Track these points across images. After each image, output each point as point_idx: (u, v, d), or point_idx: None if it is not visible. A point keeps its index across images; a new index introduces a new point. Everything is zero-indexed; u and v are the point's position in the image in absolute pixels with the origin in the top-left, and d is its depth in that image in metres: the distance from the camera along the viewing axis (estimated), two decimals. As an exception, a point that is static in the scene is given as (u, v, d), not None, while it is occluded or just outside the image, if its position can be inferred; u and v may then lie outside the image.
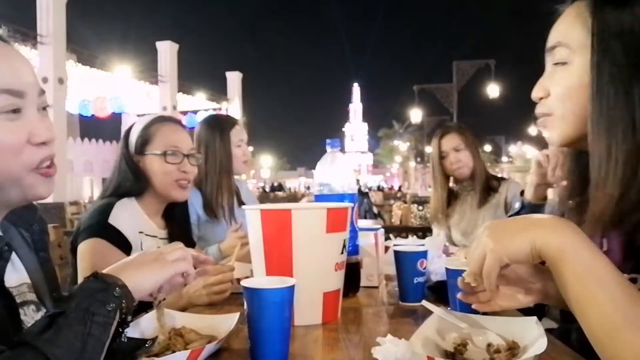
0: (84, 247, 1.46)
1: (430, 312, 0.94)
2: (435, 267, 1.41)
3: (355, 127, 77.40)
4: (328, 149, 1.40)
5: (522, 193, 1.84)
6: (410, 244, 1.51)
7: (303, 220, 1.10)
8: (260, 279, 0.96)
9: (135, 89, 18.58)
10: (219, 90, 25.48)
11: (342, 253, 1.16)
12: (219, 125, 2.29)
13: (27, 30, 13.75)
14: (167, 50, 20.34)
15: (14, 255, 0.86)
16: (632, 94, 0.74)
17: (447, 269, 1.18)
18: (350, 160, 2.21)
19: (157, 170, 1.60)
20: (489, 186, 2.60)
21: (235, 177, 2.39)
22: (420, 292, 1.27)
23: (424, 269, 1.29)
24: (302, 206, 1.17)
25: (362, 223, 1.60)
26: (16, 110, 0.76)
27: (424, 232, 3.79)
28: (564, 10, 0.86)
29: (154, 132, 1.62)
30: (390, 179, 59.77)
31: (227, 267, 1.36)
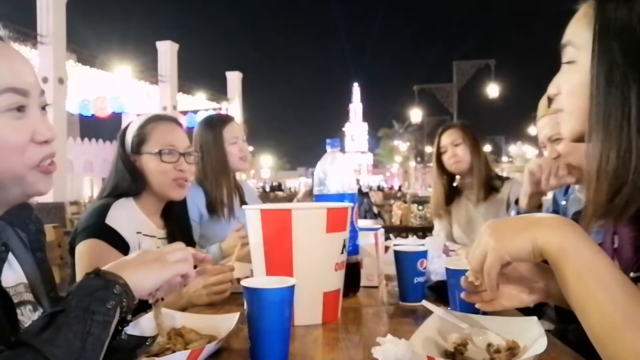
0: (81, 248, 1.46)
1: (430, 312, 0.94)
2: (435, 267, 1.41)
3: (355, 127, 77.40)
4: (328, 149, 1.40)
5: (516, 202, 1.84)
6: (410, 244, 1.51)
7: (303, 220, 1.10)
8: (260, 279, 0.96)
9: (135, 89, 18.58)
10: (219, 90, 25.50)
11: (342, 253, 1.16)
12: (212, 123, 2.32)
13: (27, 30, 13.76)
14: (167, 50, 20.35)
15: (10, 255, 0.86)
16: (627, 93, 0.74)
17: (447, 269, 1.18)
18: (350, 160, 2.21)
19: (154, 170, 1.59)
20: (490, 184, 2.59)
21: (238, 176, 2.39)
22: (420, 292, 1.27)
23: (424, 269, 1.29)
24: (302, 206, 1.17)
25: (362, 223, 1.60)
26: (21, 109, 0.77)
27: (424, 232, 3.79)
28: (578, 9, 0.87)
29: (150, 132, 1.62)
30: (390, 179, 59.78)
31: (227, 267, 1.36)
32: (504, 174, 2.76)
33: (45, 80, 13.21)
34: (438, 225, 2.78)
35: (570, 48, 0.84)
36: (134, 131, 1.63)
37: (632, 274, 0.88)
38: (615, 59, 0.76)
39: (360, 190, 7.48)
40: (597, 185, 0.77)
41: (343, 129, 78.25)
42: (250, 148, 2.64)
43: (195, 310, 1.20)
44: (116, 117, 18.09)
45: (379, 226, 1.63)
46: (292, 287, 0.87)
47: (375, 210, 7.82)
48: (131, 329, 0.81)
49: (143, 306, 0.88)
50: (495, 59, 21.03)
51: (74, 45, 15.96)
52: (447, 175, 2.69)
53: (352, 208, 1.25)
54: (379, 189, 21.70)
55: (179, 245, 0.90)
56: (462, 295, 0.93)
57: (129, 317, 0.76)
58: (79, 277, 1.44)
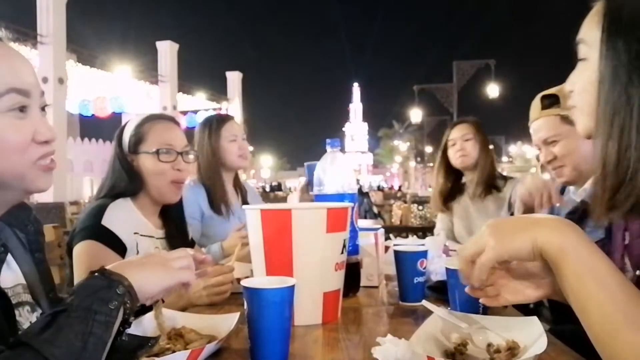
0: (79, 249, 1.46)
1: (430, 312, 0.94)
2: (435, 267, 1.41)
3: (355, 127, 77.37)
4: (328, 149, 1.40)
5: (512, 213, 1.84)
6: (410, 244, 1.51)
7: (303, 220, 1.10)
8: (260, 279, 0.96)
9: (135, 89, 18.58)
10: (219, 90, 25.50)
11: (342, 253, 1.16)
12: (211, 122, 2.33)
13: (27, 30, 13.76)
14: (167, 50, 20.35)
15: (9, 256, 0.86)
16: (631, 90, 0.75)
17: (447, 269, 1.18)
18: (350, 160, 2.21)
19: (151, 169, 1.58)
20: (492, 183, 2.57)
21: (240, 177, 2.41)
22: (420, 292, 1.27)
23: (424, 269, 1.29)
24: (302, 206, 1.17)
25: (362, 223, 1.60)
26: (22, 109, 0.78)
27: (424, 232, 3.80)
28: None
29: (147, 131, 1.60)
30: (390, 179, 59.76)
31: (227, 268, 1.36)
32: (504, 174, 2.73)
33: (45, 80, 13.21)
34: (440, 222, 2.77)
35: (582, 46, 0.85)
36: (131, 130, 1.61)
37: (638, 272, 0.88)
38: (621, 58, 0.76)
39: (360, 190, 7.49)
40: (601, 181, 0.78)
41: (343, 129, 78.23)
42: (250, 148, 2.64)
43: (195, 311, 1.20)
44: (116, 117, 18.08)
45: (379, 226, 1.63)
46: (292, 287, 0.87)
47: (375, 210, 7.82)
48: (133, 329, 0.80)
49: (144, 307, 0.88)
50: (495, 59, 21.06)
51: (74, 45, 15.96)
52: (450, 170, 2.67)
53: (352, 208, 1.25)
54: (379, 189, 21.71)
55: (184, 252, 0.90)
56: (466, 289, 0.93)
57: (132, 318, 0.76)
58: (76, 278, 1.44)
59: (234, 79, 26.03)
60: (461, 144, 2.57)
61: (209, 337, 0.96)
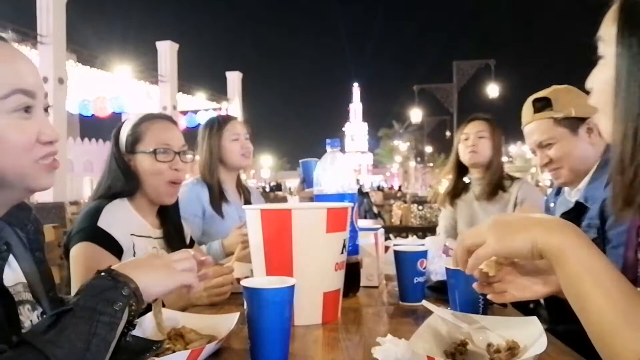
0: (75, 251, 1.45)
1: (430, 312, 0.94)
2: (435, 267, 1.42)
3: (355, 127, 77.33)
4: (328, 149, 1.40)
5: None
6: (410, 244, 1.51)
7: (303, 220, 1.10)
8: (260, 279, 0.96)
9: (135, 89, 18.57)
10: (219, 90, 25.49)
11: (342, 253, 1.16)
12: (212, 123, 2.35)
13: (27, 30, 13.76)
14: (167, 50, 20.34)
15: (10, 255, 0.86)
16: None
17: (447, 269, 1.18)
18: (350, 160, 2.21)
19: (148, 169, 1.56)
20: (499, 184, 2.53)
21: (242, 177, 2.42)
22: (420, 292, 1.27)
23: (424, 269, 1.29)
24: (302, 206, 1.17)
25: (362, 223, 1.60)
26: (27, 110, 0.79)
27: (424, 232, 3.79)
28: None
29: (144, 130, 1.59)
30: (390, 179, 59.74)
31: (226, 269, 1.36)
32: (510, 174, 2.69)
33: (45, 80, 13.19)
34: (442, 220, 2.73)
35: (600, 43, 0.85)
36: (128, 130, 1.60)
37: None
38: (634, 52, 0.76)
39: (360, 190, 7.50)
40: (618, 178, 0.78)
41: (343, 129, 78.20)
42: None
43: (195, 310, 1.20)
44: (116, 117, 18.07)
45: (379, 226, 1.63)
46: (292, 287, 0.87)
47: (375, 210, 7.83)
48: (135, 330, 0.81)
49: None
50: (495, 59, 21.07)
51: (74, 45, 15.96)
52: (460, 166, 2.62)
53: (352, 208, 1.25)
54: (379, 189, 21.71)
55: (186, 253, 0.90)
56: (474, 285, 0.94)
57: (136, 320, 0.76)
58: (73, 280, 1.44)
59: (234, 79, 26.03)
60: (474, 140, 2.51)
61: (209, 337, 0.96)
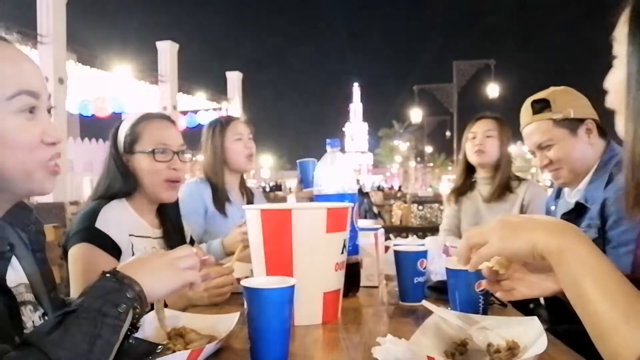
0: (73, 252, 1.45)
1: (430, 312, 0.94)
2: (436, 267, 1.42)
3: (355, 127, 77.33)
4: (328, 149, 1.40)
5: None
6: (410, 244, 1.51)
7: (303, 220, 1.10)
8: (260, 279, 0.96)
9: (135, 89, 18.57)
10: (219, 90, 25.47)
11: (342, 253, 1.16)
12: (215, 123, 2.36)
13: (27, 30, 13.75)
14: (167, 50, 20.32)
15: (12, 256, 0.86)
16: None
17: (447, 269, 1.18)
18: (350, 160, 2.21)
19: (147, 169, 1.56)
20: (507, 185, 2.50)
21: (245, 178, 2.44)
22: (420, 292, 1.27)
23: (424, 269, 1.29)
24: (302, 206, 1.17)
25: (362, 223, 1.60)
26: (32, 110, 0.80)
27: (424, 232, 3.80)
28: None
29: (142, 130, 1.58)
30: (390, 179, 59.73)
31: (227, 270, 1.36)
32: (517, 174, 2.66)
33: (45, 80, 13.19)
34: (446, 218, 2.71)
35: (615, 43, 0.85)
36: (126, 130, 1.59)
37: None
38: None
39: (360, 190, 7.50)
40: (630, 176, 0.79)
41: (343, 129, 78.18)
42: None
43: (195, 310, 1.20)
44: (116, 117, 18.07)
45: (379, 226, 1.63)
46: (292, 287, 0.87)
47: (375, 210, 7.83)
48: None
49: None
50: (495, 59, 21.05)
51: (74, 45, 15.95)
52: (467, 165, 2.59)
53: (352, 208, 1.25)
54: (379, 189, 21.71)
55: (188, 250, 0.89)
56: (483, 283, 0.95)
57: (140, 323, 0.76)
58: (72, 280, 1.44)
59: (234, 79, 26.02)
60: (481, 139, 2.48)
61: (209, 337, 0.96)
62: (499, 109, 2.70)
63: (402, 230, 3.97)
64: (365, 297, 1.39)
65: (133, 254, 1.48)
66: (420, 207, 5.52)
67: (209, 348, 0.88)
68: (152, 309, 0.92)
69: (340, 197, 1.35)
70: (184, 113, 20.45)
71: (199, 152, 2.41)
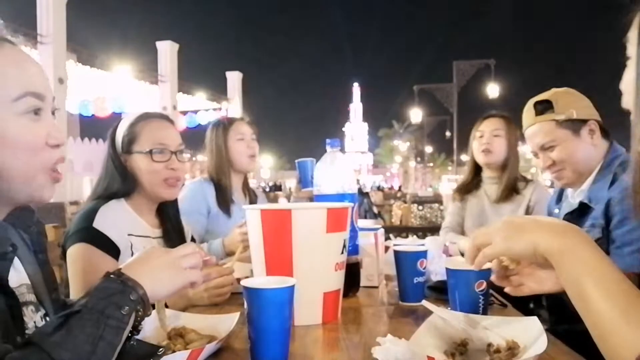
0: (72, 252, 1.45)
1: (430, 312, 0.94)
2: (436, 267, 1.42)
3: (355, 127, 77.30)
4: (328, 148, 1.40)
5: None
6: (410, 244, 1.51)
7: (303, 220, 1.10)
8: (260, 279, 0.96)
9: (135, 89, 18.56)
10: (219, 90, 25.46)
11: (342, 253, 1.16)
12: (219, 123, 2.38)
13: (27, 30, 13.75)
14: (167, 50, 20.32)
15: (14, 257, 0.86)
16: None
17: (447, 269, 1.18)
18: (350, 160, 2.21)
19: (145, 169, 1.55)
20: (514, 186, 2.47)
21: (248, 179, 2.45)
22: (420, 292, 1.27)
23: (424, 269, 1.29)
24: (302, 206, 1.17)
25: (362, 223, 1.60)
26: (37, 112, 0.80)
27: (424, 232, 3.80)
28: None
29: (140, 130, 1.58)
30: (390, 179, 59.70)
31: (227, 270, 1.36)
32: (524, 175, 2.63)
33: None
34: (449, 216, 2.69)
35: (628, 45, 0.86)
36: (124, 130, 1.59)
37: None
38: None
39: (360, 190, 7.49)
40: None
41: (343, 129, 78.14)
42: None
43: (195, 310, 1.20)
44: (116, 117, 18.00)
45: (379, 226, 1.63)
46: (292, 287, 0.87)
47: (375, 210, 7.82)
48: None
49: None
50: (495, 59, 21.05)
51: (74, 45, 15.94)
52: (477, 165, 2.57)
53: (352, 208, 1.25)
54: (379, 189, 21.71)
55: (190, 248, 0.89)
56: (492, 277, 0.96)
57: (141, 326, 0.76)
58: (71, 281, 1.44)
59: (234, 79, 26.00)
60: (488, 138, 2.45)
61: (209, 337, 0.96)
62: (499, 109, 2.69)
63: (402, 230, 3.98)
64: (365, 297, 1.39)
65: (132, 254, 1.48)
66: (420, 207, 5.52)
67: (209, 348, 0.88)
68: (153, 308, 0.92)
69: (340, 197, 1.35)
70: (184, 113, 20.44)
71: (200, 152, 2.42)
